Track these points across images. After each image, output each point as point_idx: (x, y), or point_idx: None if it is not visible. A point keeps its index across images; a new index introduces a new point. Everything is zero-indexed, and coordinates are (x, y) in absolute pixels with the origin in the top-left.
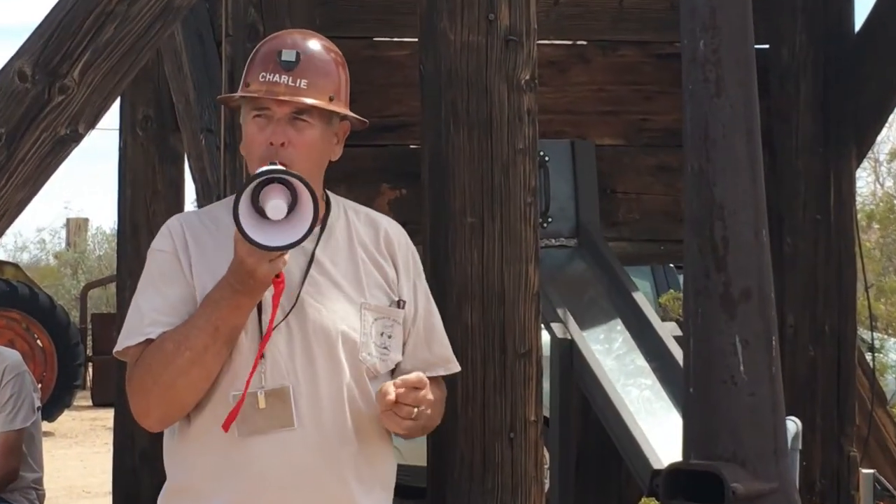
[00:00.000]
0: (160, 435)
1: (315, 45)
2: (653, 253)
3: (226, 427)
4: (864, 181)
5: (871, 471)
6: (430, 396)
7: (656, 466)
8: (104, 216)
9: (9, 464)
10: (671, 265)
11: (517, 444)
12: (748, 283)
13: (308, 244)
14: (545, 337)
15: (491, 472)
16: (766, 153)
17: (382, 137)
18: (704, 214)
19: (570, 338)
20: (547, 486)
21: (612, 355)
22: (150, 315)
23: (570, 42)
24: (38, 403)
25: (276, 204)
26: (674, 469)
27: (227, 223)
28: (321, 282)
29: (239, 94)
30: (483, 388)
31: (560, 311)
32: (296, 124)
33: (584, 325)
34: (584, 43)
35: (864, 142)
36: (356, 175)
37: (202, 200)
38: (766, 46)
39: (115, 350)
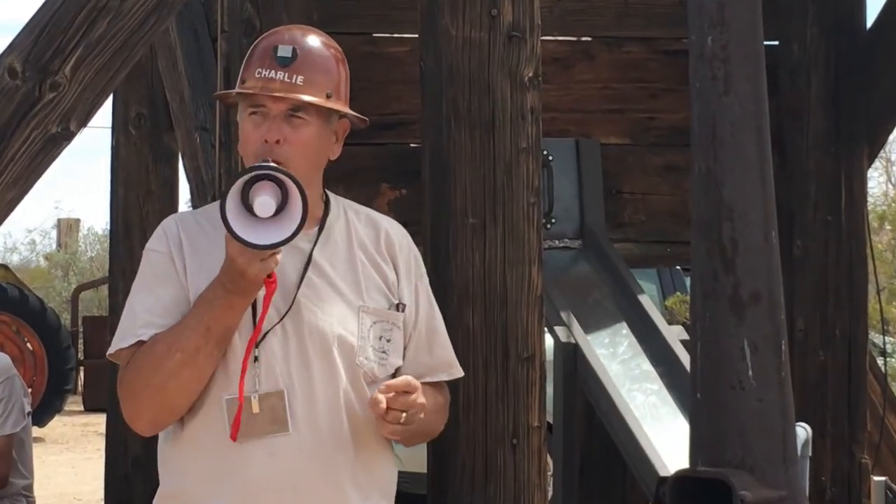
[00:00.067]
0: (154, 441)
1: (314, 41)
2: (659, 255)
3: (233, 436)
4: (876, 181)
5: (883, 478)
6: (421, 400)
7: (662, 473)
8: (96, 216)
9: None
10: (678, 267)
11: (520, 451)
12: (757, 285)
13: (306, 245)
14: (548, 341)
15: (493, 479)
16: (775, 152)
17: (382, 136)
18: (712, 215)
19: (574, 342)
20: (550, 494)
21: (618, 359)
22: (143, 316)
23: (574, 38)
24: (28, 408)
25: (263, 200)
26: (681, 476)
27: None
28: (318, 284)
29: (234, 90)
30: (485, 394)
31: (564, 315)
32: (292, 121)
33: (588, 328)
34: (589, 39)
35: (876, 140)
36: (355, 174)
37: (197, 200)
38: (776, 43)
39: (107, 353)
